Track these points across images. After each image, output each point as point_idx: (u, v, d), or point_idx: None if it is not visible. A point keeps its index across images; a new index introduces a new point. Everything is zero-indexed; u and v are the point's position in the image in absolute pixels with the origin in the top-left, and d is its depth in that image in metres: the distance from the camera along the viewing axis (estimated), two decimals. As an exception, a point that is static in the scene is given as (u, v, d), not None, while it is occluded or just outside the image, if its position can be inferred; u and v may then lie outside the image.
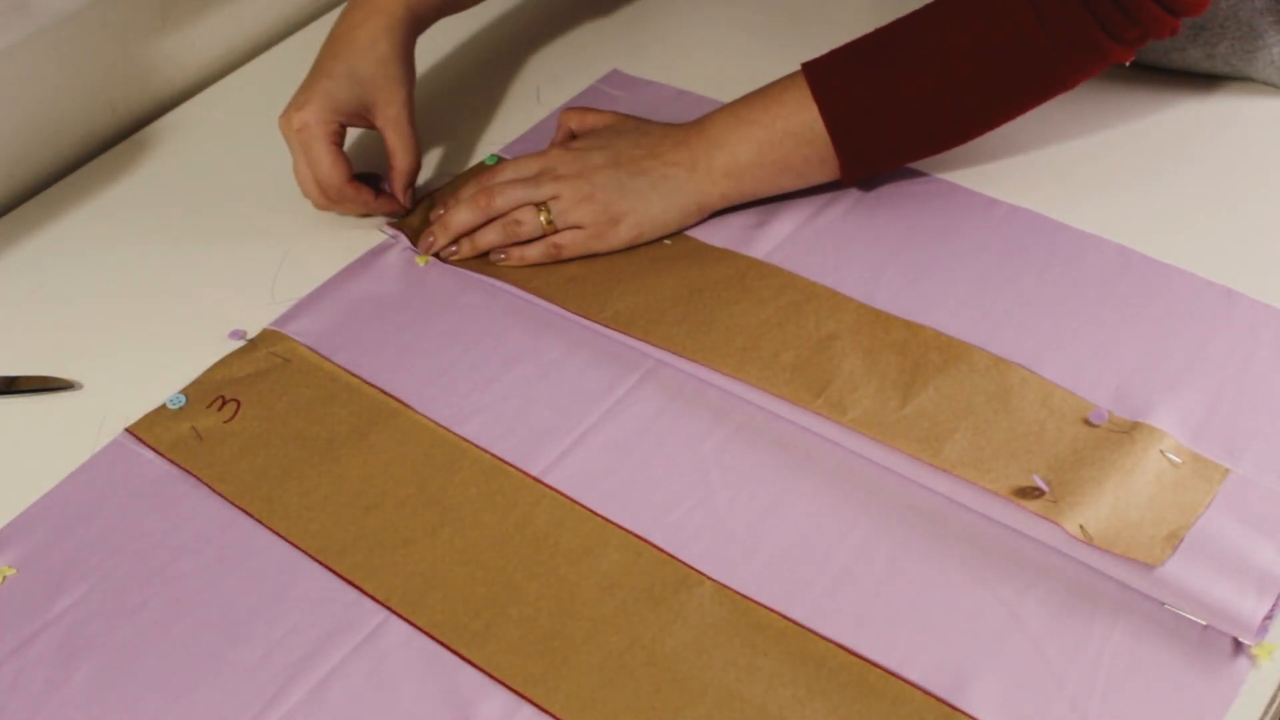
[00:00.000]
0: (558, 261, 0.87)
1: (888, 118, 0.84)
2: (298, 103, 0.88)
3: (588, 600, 0.69)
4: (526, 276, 0.87)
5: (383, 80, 0.89)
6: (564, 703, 0.64)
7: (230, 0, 1.10)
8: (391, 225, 0.92)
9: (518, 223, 0.86)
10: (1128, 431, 0.73)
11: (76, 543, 0.74)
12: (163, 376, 0.83)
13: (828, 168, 0.86)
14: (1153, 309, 0.81)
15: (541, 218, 0.86)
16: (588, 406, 0.79)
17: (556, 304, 0.84)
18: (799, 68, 0.86)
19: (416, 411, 0.79)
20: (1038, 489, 0.69)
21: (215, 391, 0.81)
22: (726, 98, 1.00)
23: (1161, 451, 0.72)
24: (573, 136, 0.93)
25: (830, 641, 0.66)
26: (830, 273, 0.85)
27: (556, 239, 0.86)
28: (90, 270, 0.93)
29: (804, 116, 0.84)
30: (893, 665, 0.65)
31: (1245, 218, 0.87)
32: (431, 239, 0.89)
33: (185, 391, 0.82)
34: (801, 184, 0.88)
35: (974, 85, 0.83)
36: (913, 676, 0.64)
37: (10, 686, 0.67)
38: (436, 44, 1.11)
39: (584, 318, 0.83)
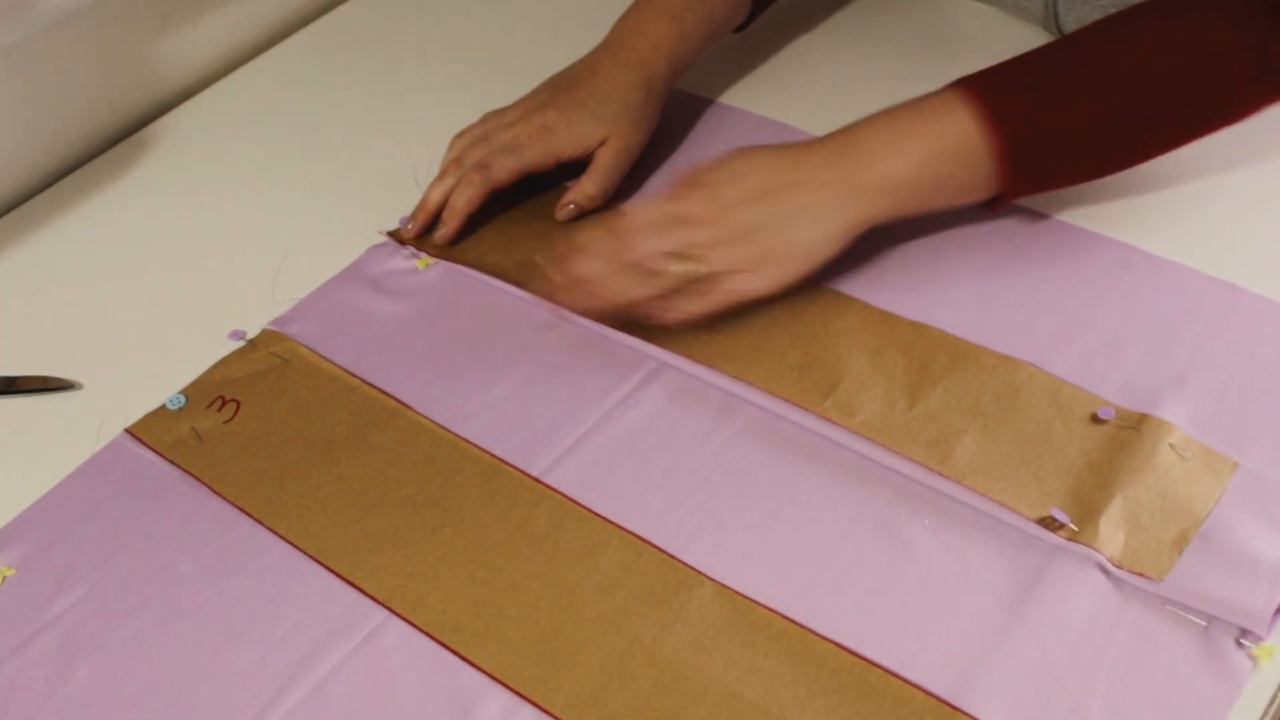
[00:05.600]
0: (721, 316, 0.80)
1: (1065, 140, 0.79)
2: (535, 122, 0.89)
3: (588, 600, 0.69)
4: (528, 277, 0.87)
5: (625, 122, 0.89)
6: (564, 703, 0.64)
7: (230, 0, 1.10)
8: (389, 232, 0.92)
9: (654, 274, 0.78)
10: (1135, 426, 0.73)
11: (76, 543, 0.74)
12: (163, 376, 0.83)
13: (982, 190, 0.81)
14: (1156, 305, 0.81)
15: (683, 267, 0.77)
16: (589, 407, 0.78)
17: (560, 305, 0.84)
18: (949, 85, 0.80)
19: (416, 412, 0.79)
20: (1058, 521, 0.69)
21: (215, 392, 0.81)
22: (725, 97, 1.00)
23: (1170, 445, 0.72)
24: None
25: (831, 641, 0.66)
26: (833, 272, 0.85)
27: (721, 289, 0.78)
28: (90, 270, 0.93)
29: (969, 137, 0.78)
30: (894, 665, 0.65)
31: (1248, 215, 0.87)
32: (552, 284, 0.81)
33: (185, 392, 0.81)
34: (950, 205, 0.82)
35: (1163, 102, 0.79)
36: (914, 677, 0.64)
37: (10, 686, 0.67)
38: (433, 43, 1.11)
39: (588, 319, 0.83)
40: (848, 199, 0.78)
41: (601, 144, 0.89)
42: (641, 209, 0.80)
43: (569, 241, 0.80)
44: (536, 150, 0.88)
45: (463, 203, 0.88)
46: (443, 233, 0.88)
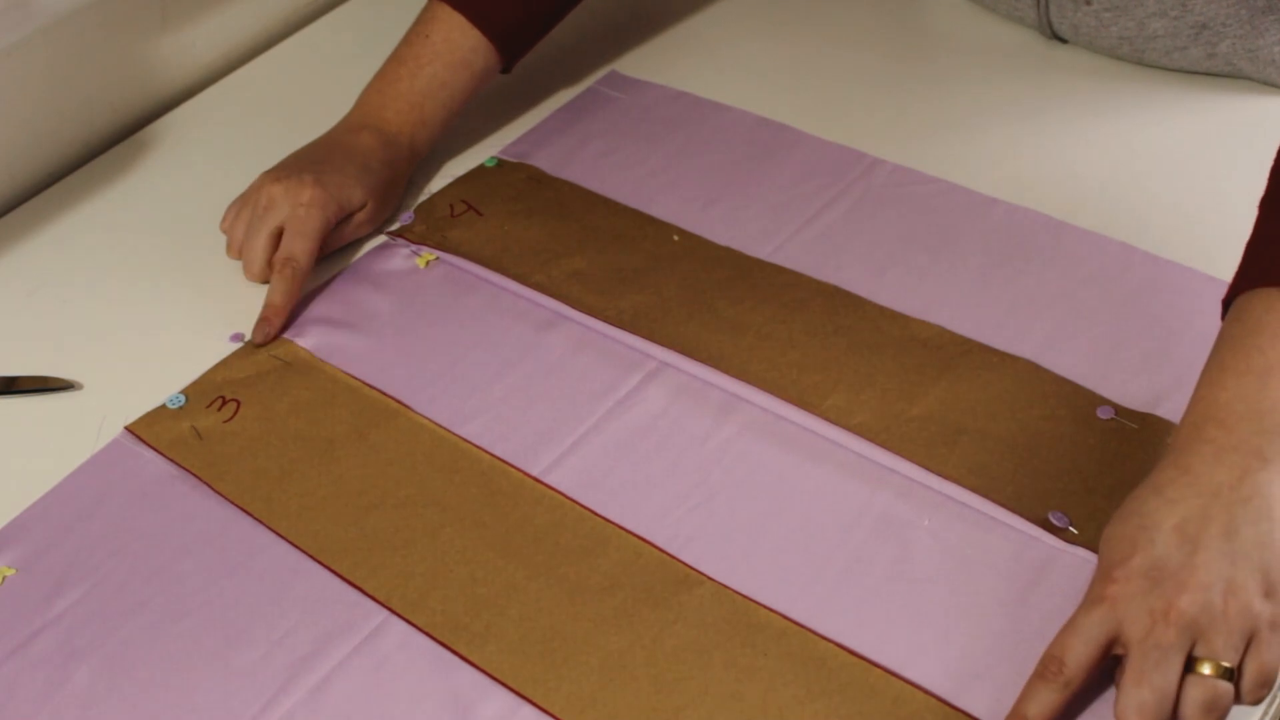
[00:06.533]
0: None
1: None
2: (308, 181, 0.86)
3: (588, 600, 0.69)
4: (528, 272, 0.87)
5: (379, 192, 0.90)
6: (564, 703, 0.64)
7: (230, 0, 1.10)
8: (391, 232, 0.92)
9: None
10: (1136, 426, 0.73)
11: (76, 543, 0.74)
12: (163, 376, 0.83)
13: None
14: (1156, 305, 0.81)
15: (1208, 671, 0.58)
16: (589, 407, 0.78)
17: (561, 301, 0.84)
18: (1242, 292, 0.67)
19: (416, 412, 0.79)
20: (1057, 525, 0.69)
21: (215, 392, 0.81)
22: (725, 98, 1.00)
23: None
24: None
25: (830, 641, 0.66)
26: (833, 273, 0.85)
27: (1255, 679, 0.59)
28: (90, 270, 0.93)
29: None
30: (893, 665, 0.65)
31: (1248, 215, 0.87)
32: None
33: (185, 391, 0.82)
34: None
35: None
36: (913, 676, 0.64)
37: (10, 686, 0.67)
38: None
39: (590, 316, 0.83)
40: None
41: (361, 208, 0.89)
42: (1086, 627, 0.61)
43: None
44: (318, 218, 0.86)
45: (284, 297, 0.84)
46: (269, 331, 0.84)
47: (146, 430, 0.79)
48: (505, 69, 0.98)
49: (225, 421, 0.80)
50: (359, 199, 0.89)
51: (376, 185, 0.90)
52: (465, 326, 0.85)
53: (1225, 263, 0.82)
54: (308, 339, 0.84)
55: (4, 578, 0.73)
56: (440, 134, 0.96)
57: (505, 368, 0.82)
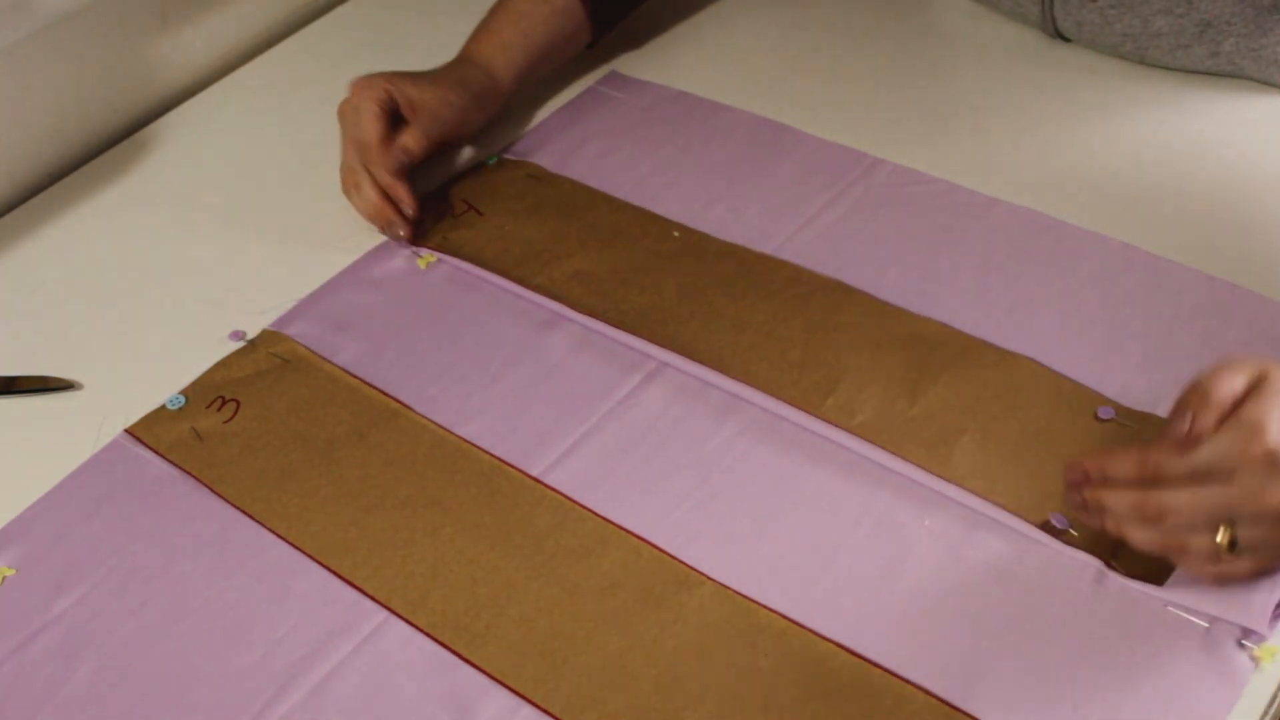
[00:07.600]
0: None
1: None
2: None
3: (588, 600, 0.68)
4: (529, 274, 0.87)
5: (445, 83, 0.94)
6: (564, 703, 0.64)
7: (230, 1, 1.10)
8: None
9: (1182, 548, 0.64)
10: (1137, 426, 0.73)
11: (76, 543, 0.74)
12: (163, 376, 0.83)
13: None
14: (1156, 305, 0.81)
15: (1220, 539, 0.63)
16: (590, 407, 0.78)
17: (561, 302, 0.84)
18: None
19: (416, 412, 0.79)
20: (1058, 527, 0.69)
21: (215, 392, 0.81)
22: (725, 98, 1.00)
23: None
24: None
25: (831, 642, 0.66)
26: (833, 273, 0.85)
27: (1234, 568, 0.64)
28: (90, 270, 0.93)
29: None
30: (894, 666, 0.65)
31: (1248, 215, 0.87)
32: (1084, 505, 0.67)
33: (185, 392, 0.81)
34: None
35: None
36: (914, 677, 0.64)
37: (10, 686, 0.67)
38: (436, 46, 1.11)
39: (590, 316, 0.83)
40: None
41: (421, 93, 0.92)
42: (1179, 451, 0.63)
43: (1098, 460, 0.66)
44: (369, 104, 0.90)
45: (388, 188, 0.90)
46: (398, 228, 0.90)
47: (146, 432, 0.79)
48: (593, 38, 1.03)
49: (225, 422, 0.80)
50: (411, 84, 0.92)
51: (435, 78, 0.94)
52: (465, 327, 0.85)
53: (1226, 263, 0.83)
54: (308, 338, 0.84)
55: (4, 578, 0.73)
56: (514, 52, 0.98)
57: (505, 368, 0.82)
